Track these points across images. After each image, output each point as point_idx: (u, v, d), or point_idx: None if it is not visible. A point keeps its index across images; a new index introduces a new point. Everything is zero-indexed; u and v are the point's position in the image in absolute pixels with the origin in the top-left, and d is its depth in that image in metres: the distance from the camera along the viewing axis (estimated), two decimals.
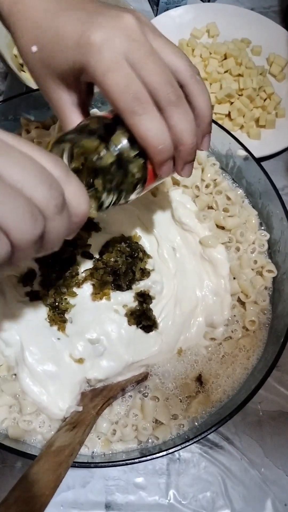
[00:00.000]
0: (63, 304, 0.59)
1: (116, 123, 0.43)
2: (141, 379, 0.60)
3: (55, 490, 0.44)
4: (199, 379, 0.61)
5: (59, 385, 0.57)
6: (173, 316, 0.62)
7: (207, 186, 0.68)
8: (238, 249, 0.66)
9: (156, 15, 1.02)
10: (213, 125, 0.68)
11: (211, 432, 0.54)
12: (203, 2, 1.06)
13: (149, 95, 0.41)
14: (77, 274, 0.60)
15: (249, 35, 0.98)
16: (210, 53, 0.93)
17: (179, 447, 0.53)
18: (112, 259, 0.59)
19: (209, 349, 0.63)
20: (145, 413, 0.58)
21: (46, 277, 0.59)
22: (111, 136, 0.42)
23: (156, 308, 0.61)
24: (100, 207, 0.44)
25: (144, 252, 0.62)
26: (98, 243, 0.62)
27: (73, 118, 0.47)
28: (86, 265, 0.60)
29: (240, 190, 0.71)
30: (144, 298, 0.60)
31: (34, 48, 0.44)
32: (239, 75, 0.91)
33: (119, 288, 0.60)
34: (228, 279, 0.64)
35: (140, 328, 0.60)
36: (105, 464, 0.54)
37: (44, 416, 0.57)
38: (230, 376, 0.61)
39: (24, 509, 0.41)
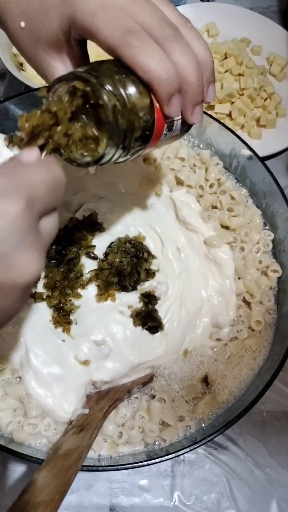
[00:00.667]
0: (68, 305, 0.58)
1: (115, 65, 0.39)
2: (147, 380, 0.60)
3: (65, 494, 0.43)
4: (205, 380, 0.61)
5: (65, 388, 0.56)
6: (179, 317, 0.61)
7: (211, 186, 0.68)
8: (242, 249, 0.66)
9: None
10: (217, 124, 0.69)
11: (220, 433, 0.53)
12: (202, 1, 1.06)
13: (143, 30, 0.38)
14: (82, 275, 0.59)
15: (248, 34, 0.98)
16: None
17: (187, 449, 0.53)
18: (117, 260, 0.59)
19: (215, 349, 0.63)
20: (151, 415, 0.57)
21: (50, 278, 0.59)
22: (112, 77, 0.38)
23: (161, 309, 0.61)
24: (101, 158, 0.39)
25: (148, 253, 0.62)
26: (102, 243, 0.62)
27: None
28: (90, 266, 0.59)
29: (244, 190, 0.71)
30: (149, 298, 0.60)
31: (22, 24, 0.43)
32: (240, 74, 0.90)
33: (124, 289, 0.60)
34: (233, 279, 0.64)
35: (146, 329, 0.59)
36: (112, 467, 0.53)
37: (49, 419, 0.56)
38: (237, 377, 0.61)
39: None
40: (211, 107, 0.89)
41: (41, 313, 0.58)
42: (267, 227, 0.69)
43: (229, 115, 0.89)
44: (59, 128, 0.38)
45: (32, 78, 0.81)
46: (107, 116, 0.37)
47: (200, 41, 0.42)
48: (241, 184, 0.72)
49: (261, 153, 0.69)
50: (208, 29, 0.98)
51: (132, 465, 0.53)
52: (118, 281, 0.59)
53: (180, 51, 0.39)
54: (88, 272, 0.59)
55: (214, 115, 0.85)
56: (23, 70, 0.83)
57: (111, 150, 0.39)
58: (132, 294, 0.60)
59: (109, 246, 0.61)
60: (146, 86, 0.39)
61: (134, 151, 0.41)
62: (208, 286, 0.64)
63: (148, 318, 0.59)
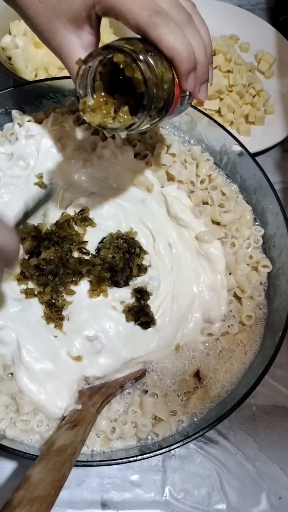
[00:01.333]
0: (60, 301, 0.58)
1: (140, 41, 0.43)
2: (139, 375, 0.60)
3: (60, 489, 0.43)
4: (197, 375, 0.61)
5: (57, 384, 0.56)
6: (171, 312, 0.61)
7: (202, 182, 0.68)
8: (233, 244, 0.66)
9: None
10: (208, 119, 0.69)
11: (212, 427, 0.54)
12: None
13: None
14: (74, 271, 0.59)
15: (237, 31, 0.99)
16: None
17: (180, 443, 0.53)
18: (109, 255, 0.59)
19: (207, 344, 0.63)
20: (144, 410, 0.58)
21: (41, 274, 0.58)
22: (142, 49, 0.42)
23: (153, 304, 0.61)
24: (133, 125, 0.44)
25: (140, 248, 0.62)
26: (94, 239, 0.61)
27: None
28: (82, 262, 0.59)
29: (235, 186, 0.71)
30: (141, 294, 0.60)
31: None
32: (229, 71, 0.91)
33: (116, 284, 0.60)
34: (224, 274, 0.64)
35: (138, 324, 0.59)
36: (105, 462, 0.53)
37: (41, 415, 0.56)
38: (228, 371, 0.61)
39: (30, 510, 0.40)
40: (200, 103, 0.89)
41: (33, 309, 0.58)
42: (257, 223, 0.69)
43: (218, 111, 0.89)
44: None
45: (20, 72, 0.80)
46: (143, 86, 0.42)
47: (204, 26, 0.48)
48: (231, 180, 0.72)
49: (250, 150, 0.69)
50: None
51: (125, 459, 0.53)
52: (110, 276, 0.59)
53: (193, 34, 0.45)
54: (81, 267, 0.58)
55: (204, 111, 0.85)
56: (12, 64, 0.82)
57: (141, 118, 0.44)
58: (124, 289, 0.60)
59: (101, 242, 0.61)
60: (168, 63, 0.44)
61: (157, 120, 0.46)
62: (200, 281, 0.64)
63: (140, 314, 0.59)
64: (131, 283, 0.60)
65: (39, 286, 0.58)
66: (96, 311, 0.58)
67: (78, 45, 0.48)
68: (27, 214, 0.53)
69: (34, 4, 0.47)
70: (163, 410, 0.58)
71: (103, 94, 0.46)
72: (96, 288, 0.59)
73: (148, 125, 0.46)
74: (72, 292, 0.58)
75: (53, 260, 0.58)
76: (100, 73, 0.45)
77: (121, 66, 0.42)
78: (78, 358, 0.57)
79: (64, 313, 0.58)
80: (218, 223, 0.67)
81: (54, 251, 0.58)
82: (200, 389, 0.60)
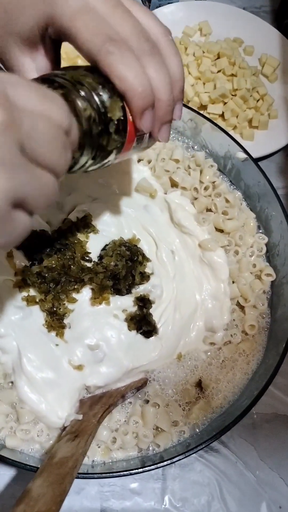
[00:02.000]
0: (61, 309, 0.57)
1: (91, 72, 0.38)
2: (141, 385, 0.59)
3: (61, 504, 0.43)
4: (199, 385, 0.61)
5: (58, 393, 0.55)
6: (173, 321, 0.61)
7: (205, 188, 0.67)
8: (237, 252, 0.65)
9: None
10: (212, 125, 0.68)
11: (214, 440, 0.53)
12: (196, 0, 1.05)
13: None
14: (76, 278, 0.58)
15: (241, 34, 0.98)
16: (203, 52, 0.92)
17: (182, 456, 0.53)
18: (112, 263, 0.58)
19: (209, 353, 0.62)
20: (145, 420, 0.57)
21: (43, 282, 0.57)
22: (88, 84, 0.37)
23: (156, 312, 0.60)
24: (72, 167, 0.39)
25: (143, 255, 0.61)
26: (96, 246, 0.61)
27: None
28: (85, 270, 0.58)
29: (238, 193, 0.71)
30: (144, 302, 0.59)
31: None
32: (233, 75, 0.90)
33: (118, 292, 0.59)
34: (228, 283, 0.64)
35: (140, 333, 0.59)
36: (106, 474, 0.53)
37: (42, 425, 0.55)
38: (230, 381, 0.61)
39: None
40: (204, 107, 0.88)
41: (34, 317, 0.57)
42: (261, 231, 0.69)
43: (222, 115, 0.89)
44: None
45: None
46: (82, 125, 0.36)
47: (176, 56, 0.42)
48: (235, 187, 0.72)
49: (253, 155, 0.69)
50: (201, 28, 0.98)
51: (127, 472, 0.52)
52: (112, 284, 0.58)
53: (155, 67, 0.39)
54: (83, 275, 0.58)
55: (207, 115, 0.85)
56: None
57: (82, 159, 0.38)
58: (127, 297, 0.59)
59: (104, 249, 0.60)
60: (121, 97, 0.38)
61: (104, 161, 0.41)
62: (202, 289, 0.64)
63: (142, 322, 0.58)
64: (133, 291, 0.60)
65: (40, 293, 0.58)
66: (98, 320, 0.58)
67: (32, 68, 0.43)
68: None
69: None
70: (165, 420, 0.57)
71: None
72: (98, 296, 0.58)
73: (95, 167, 0.41)
74: (74, 300, 0.57)
75: (55, 268, 0.57)
76: None
77: None
78: (79, 367, 0.56)
79: (65, 321, 0.57)
80: (221, 231, 0.67)
81: (57, 258, 0.57)
82: (202, 399, 0.60)
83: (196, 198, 0.67)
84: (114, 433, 0.57)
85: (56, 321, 0.57)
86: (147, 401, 0.59)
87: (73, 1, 0.38)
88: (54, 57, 0.44)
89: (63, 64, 0.46)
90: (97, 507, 0.65)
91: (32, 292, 0.58)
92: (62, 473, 0.45)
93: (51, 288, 0.57)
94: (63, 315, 0.57)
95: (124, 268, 0.58)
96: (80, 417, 0.54)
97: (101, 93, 0.37)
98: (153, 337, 0.59)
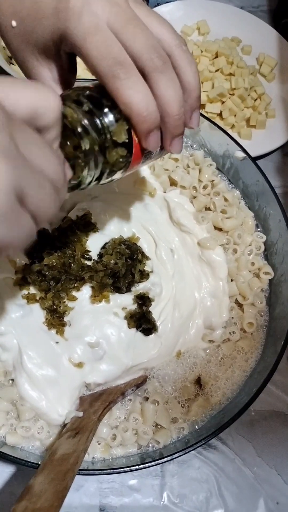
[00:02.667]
0: (61, 307, 0.57)
1: (98, 93, 0.40)
2: (140, 382, 0.60)
3: (63, 500, 0.43)
4: (198, 382, 0.61)
5: (58, 390, 0.56)
6: (172, 319, 0.61)
7: (204, 187, 0.68)
8: (235, 251, 0.66)
9: None
10: (211, 124, 0.68)
11: (213, 437, 0.54)
12: None
13: (131, 61, 0.39)
14: (76, 276, 0.58)
15: (239, 34, 0.98)
16: (202, 51, 0.92)
17: (181, 453, 0.53)
18: (112, 261, 0.58)
19: (208, 351, 0.63)
20: (145, 417, 0.57)
21: (43, 280, 0.58)
22: (94, 107, 0.39)
23: (155, 310, 0.61)
24: (79, 185, 0.41)
25: (143, 254, 0.62)
26: (96, 244, 0.61)
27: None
28: (85, 268, 0.59)
29: (237, 191, 0.71)
30: (143, 300, 0.60)
31: (13, 23, 0.43)
32: (231, 74, 0.90)
33: (118, 290, 0.59)
34: (226, 281, 0.64)
35: (140, 331, 0.59)
36: (106, 471, 0.53)
37: (42, 422, 0.56)
38: (229, 378, 0.61)
39: None
40: (202, 106, 0.88)
41: (34, 315, 0.57)
42: (259, 229, 0.69)
43: (220, 114, 0.89)
44: None
45: (21, 72, 0.79)
46: (86, 148, 0.38)
47: (190, 66, 0.43)
48: (233, 186, 0.72)
49: (251, 154, 0.69)
50: (199, 27, 0.98)
51: (127, 468, 0.52)
52: (112, 282, 0.59)
53: (165, 83, 0.40)
54: (83, 273, 0.58)
55: (205, 115, 0.85)
56: (13, 64, 0.81)
57: (87, 179, 0.40)
58: (126, 295, 0.60)
59: (103, 247, 0.61)
60: (127, 120, 0.40)
61: (110, 179, 0.43)
62: (201, 287, 0.64)
63: (142, 320, 0.59)
64: (133, 289, 0.60)
65: (41, 291, 0.58)
66: (97, 317, 0.58)
67: (49, 78, 0.45)
68: None
69: (9, 27, 0.43)
70: (164, 417, 0.58)
71: None
72: (98, 294, 0.58)
73: (103, 182, 0.43)
74: (74, 298, 0.58)
75: (56, 266, 0.57)
76: None
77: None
78: (79, 365, 0.57)
79: (65, 319, 0.58)
80: (220, 229, 0.67)
81: (57, 257, 0.57)
82: (201, 396, 0.60)
83: (195, 197, 0.68)
84: (114, 430, 0.57)
85: (56, 319, 0.57)
86: (147, 398, 0.60)
87: (86, 18, 0.38)
88: (70, 67, 0.45)
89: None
90: (96, 503, 0.65)
91: (32, 290, 0.58)
92: (64, 469, 0.46)
93: (52, 286, 0.57)
94: (63, 313, 0.57)
95: (123, 266, 0.58)
96: (81, 414, 0.54)
97: (106, 117, 0.39)
98: (152, 335, 0.60)
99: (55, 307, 0.57)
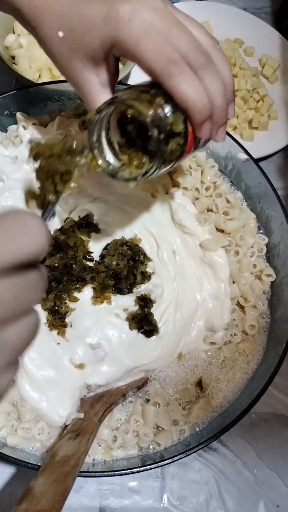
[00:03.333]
0: (63, 308, 0.57)
1: (153, 89, 0.44)
2: (141, 384, 0.60)
3: (63, 502, 0.43)
4: (200, 384, 0.61)
5: (59, 391, 0.56)
6: (174, 320, 0.61)
7: (207, 189, 0.67)
8: (237, 252, 0.66)
9: None
10: None
11: (214, 439, 0.54)
12: (196, 0, 1.05)
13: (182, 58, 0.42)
14: (78, 277, 0.58)
15: (241, 35, 0.98)
16: None
17: (183, 455, 0.53)
18: (113, 263, 0.58)
19: (209, 353, 0.63)
20: (146, 419, 0.57)
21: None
22: (153, 102, 0.43)
23: (157, 312, 0.60)
24: (145, 174, 0.45)
25: (145, 255, 0.62)
26: (98, 245, 0.61)
27: (101, 98, 0.47)
28: (87, 269, 0.59)
29: (239, 193, 0.71)
30: (145, 302, 0.59)
31: (60, 34, 0.46)
32: (233, 75, 0.90)
33: (120, 291, 0.59)
34: (228, 283, 0.64)
35: (141, 332, 0.59)
36: (107, 473, 0.53)
37: (43, 423, 0.56)
38: (231, 380, 0.61)
39: None
40: None
41: None
42: (261, 231, 0.69)
43: None
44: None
45: (24, 72, 0.79)
46: (152, 141, 0.43)
47: (225, 63, 0.47)
48: (236, 188, 0.72)
49: (253, 155, 0.69)
50: None
51: (128, 470, 0.52)
52: (114, 283, 0.59)
53: (211, 77, 0.44)
54: (85, 274, 0.58)
55: None
56: (15, 64, 0.81)
57: (152, 168, 0.45)
58: (128, 297, 0.59)
59: (105, 248, 0.61)
60: (182, 111, 0.44)
61: (168, 167, 0.47)
62: (203, 289, 0.64)
63: (143, 322, 0.59)
64: (134, 290, 0.60)
65: None
66: (99, 319, 0.58)
67: (96, 82, 0.48)
68: None
69: (54, 38, 0.46)
70: (165, 419, 0.58)
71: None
72: (100, 295, 0.58)
73: (161, 172, 0.47)
74: (75, 299, 0.58)
75: (57, 267, 0.57)
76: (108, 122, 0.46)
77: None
78: (80, 366, 0.56)
79: (67, 320, 0.58)
80: (222, 231, 0.67)
81: (59, 258, 0.57)
82: (202, 399, 0.60)
83: (197, 198, 0.68)
84: (114, 432, 0.57)
85: (57, 320, 0.57)
86: (148, 400, 0.59)
87: (136, 24, 0.41)
88: (116, 70, 0.49)
89: None
90: (96, 505, 0.65)
91: None
92: (64, 471, 0.46)
93: (53, 287, 0.57)
94: (64, 314, 0.57)
95: (125, 268, 0.58)
96: (81, 415, 0.54)
97: (165, 110, 0.43)
98: (154, 337, 0.60)
99: (56, 308, 0.57)
